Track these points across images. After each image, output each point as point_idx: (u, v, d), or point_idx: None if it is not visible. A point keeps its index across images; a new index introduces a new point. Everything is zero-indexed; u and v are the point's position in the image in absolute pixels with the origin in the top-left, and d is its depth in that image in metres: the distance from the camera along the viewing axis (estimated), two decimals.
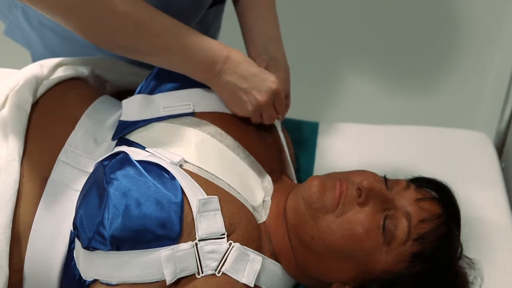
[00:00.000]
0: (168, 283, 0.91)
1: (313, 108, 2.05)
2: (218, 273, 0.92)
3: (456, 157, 1.42)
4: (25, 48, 1.35)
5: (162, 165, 0.96)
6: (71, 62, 1.16)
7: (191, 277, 0.92)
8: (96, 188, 0.94)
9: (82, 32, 0.98)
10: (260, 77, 1.07)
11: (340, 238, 0.96)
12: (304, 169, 1.34)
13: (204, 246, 0.92)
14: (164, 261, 0.90)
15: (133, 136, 1.06)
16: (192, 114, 1.08)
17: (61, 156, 1.01)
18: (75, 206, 0.96)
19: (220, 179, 1.01)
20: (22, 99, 1.03)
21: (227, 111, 1.11)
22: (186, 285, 0.92)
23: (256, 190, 1.06)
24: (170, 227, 0.91)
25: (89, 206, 0.93)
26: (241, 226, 0.97)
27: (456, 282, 1.00)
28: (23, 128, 1.01)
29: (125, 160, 0.96)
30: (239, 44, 1.17)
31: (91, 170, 1.00)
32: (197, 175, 0.99)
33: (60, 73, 1.12)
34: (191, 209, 0.93)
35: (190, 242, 0.92)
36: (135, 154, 0.99)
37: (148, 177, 0.94)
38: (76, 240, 0.95)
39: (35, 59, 1.30)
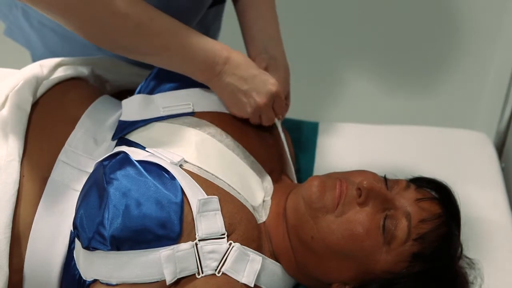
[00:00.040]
0: (168, 283, 0.91)
1: (313, 108, 2.05)
2: (218, 273, 0.92)
3: (456, 157, 1.42)
4: (25, 48, 1.35)
5: (162, 165, 0.96)
6: (71, 62, 1.15)
7: (191, 277, 0.92)
8: (96, 188, 0.94)
9: (82, 32, 0.98)
10: (260, 79, 1.07)
11: (340, 238, 0.96)
12: (304, 169, 1.34)
13: (204, 246, 0.92)
14: (164, 261, 0.90)
15: (133, 136, 1.06)
16: (192, 113, 1.08)
17: (61, 156, 1.01)
18: (75, 206, 0.96)
19: (220, 179, 1.01)
20: (22, 99, 1.03)
21: (226, 111, 1.11)
22: (186, 285, 0.92)
23: (256, 190, 1.06)
24: (170, 227, 0.91)
25: (89, 206, 0.93)
26: (241, 226, 0.97)
27: (456, 282, 1.00)
28: (23, 128, 1.01)
29: (125, 160, 0.96)
30: (239, 44, 1.17)
31: (91, 170, 1.00)
32: (197, 175, 0.99)
33: (60, 73, 1.12)
34: (191, 209, 0.93)
35: (190, 242, 0.92)
36: (135, 154, 0.99)
37: (148, 177, 0.94)
38: (76, 240, 0.95)
39: (35, 59, 1.30)
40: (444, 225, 0.98)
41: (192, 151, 1.02)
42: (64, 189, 0.99)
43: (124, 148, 1.01)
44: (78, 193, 0.97)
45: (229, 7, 1.28)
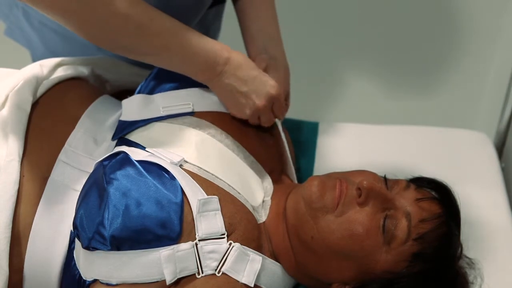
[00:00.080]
0: (168, 283, 0.91)
1: (313, 108, 2.05)
2: (218, 273, 0.92)
3: (456, 157, 1.42)
4: (25, 48, 1.35)
5: (162, 165, 0.96)
6: (71, 62, 1.15)
7: (191, 277, 0.92)
8: (96, 188, 0.94)
9: (83, 32, 0.98)
10: (260, 81, 1.07)
11: (340, 238, 0.96)
12: (304, 169, 1.34)
13: (204, 246, 0.92)
14: (164, 261, 0.90)
15: (133, 136, 1.06)
16: (192, 113, 1.08)
17: (61, 156, 1.01)
18: (75, 206, 0.96)
19: (220, 179, 1.01)
20: (22, 99, 1.03)
21: (226, 111, 1.11)
22: (186, 285, 0.92)
23: (256, 190, 1.06)
24: (170, 227, 0.91)
25: (89, 206, 0.93)
26: (241, 226, 0.97)
27: (456, 282, 1.00)
28: (23, 128, 1.01)
29: (125, 160, 0.96)
30: (239, 44, 1.17)
31: (91, 170, 1.00)
32: (197, 175, 0.99)
33: (60, 73, 1.12)
34: (191, 209, 0.93)
35: (190, 242, 0.92)
36: (135, 154, 0.99)
37: (148, 177, 0.94)
38: (76, 240, 0.95)
39: (35, 59, 1.30)
40: (444, 225, 0.98)
41: (192, 151, 1.02)
42: (64, 189, 0.99)
43: (124, 148, 1.01)
44: (78, 193, 0.97)
45: (229, 7, 1.28)
